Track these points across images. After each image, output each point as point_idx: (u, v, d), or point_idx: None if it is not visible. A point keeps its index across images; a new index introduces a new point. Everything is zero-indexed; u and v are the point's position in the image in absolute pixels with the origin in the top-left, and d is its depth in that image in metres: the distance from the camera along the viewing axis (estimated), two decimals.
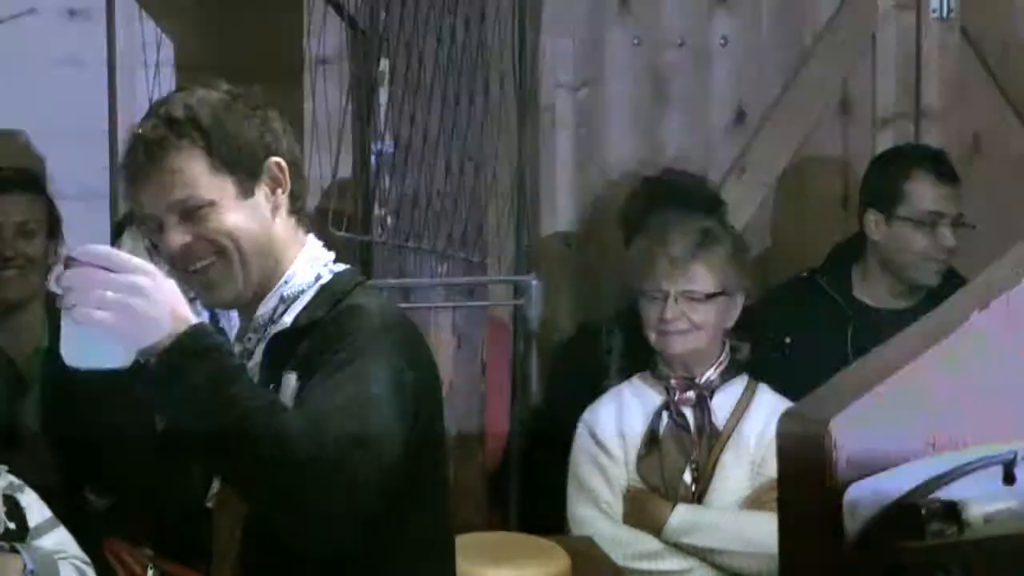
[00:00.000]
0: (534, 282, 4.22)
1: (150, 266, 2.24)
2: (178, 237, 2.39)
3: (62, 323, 2.25)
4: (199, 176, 2.38)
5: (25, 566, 3.19)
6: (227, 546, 2.44)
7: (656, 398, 3.84)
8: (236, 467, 2.20)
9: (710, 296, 3.80)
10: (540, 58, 4.66)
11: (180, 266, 2.40)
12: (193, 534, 2.56)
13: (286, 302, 2.43)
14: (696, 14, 4.85)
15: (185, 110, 2.40)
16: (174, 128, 2.39)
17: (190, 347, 2.21)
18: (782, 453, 1.57)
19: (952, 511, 1.50)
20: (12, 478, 3.35)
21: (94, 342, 2.23)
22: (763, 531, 3.62)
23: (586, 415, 3.92)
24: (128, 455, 2.45)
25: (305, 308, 2.42)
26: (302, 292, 2.44)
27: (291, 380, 2.35)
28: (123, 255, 2.23)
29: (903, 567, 1.48)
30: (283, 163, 2.45)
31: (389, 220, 4.01)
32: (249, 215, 2.41)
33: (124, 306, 2.19)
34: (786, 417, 1.57)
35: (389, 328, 2.36)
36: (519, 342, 4.23)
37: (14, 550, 3.21)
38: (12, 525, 3.27)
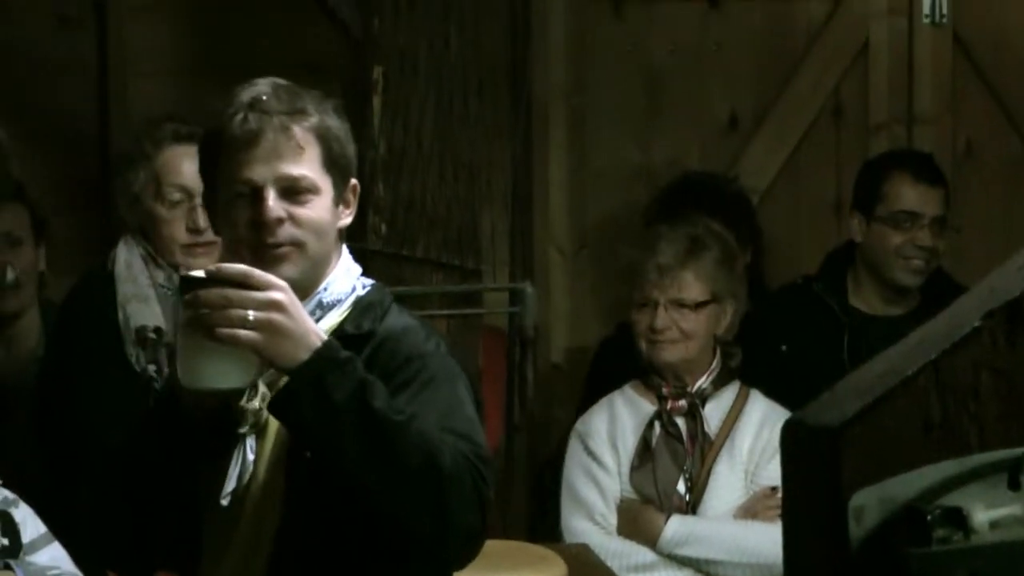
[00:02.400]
0: (529, 289, 4.21)
1: (281, 281, 2.26)
2: (279, 208, 2.38)
3: (181, 344, 2.24)
4: (315, 162, 2.41)
5: None
6: (249, 548, 2.42)
7: (648, 407, 3.82)
8: (382, 479, 2.22)
9: (700, 304, 3.77)
10: (533, 64, 4.64)
11: (263, 236, 2.38)
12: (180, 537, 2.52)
13: (324, 308, 2.44)
14: (689, 19, 4.85)
15: (309, 100, 2.42)
16: (302, 110, 2.41)
17: (330, 359, 2.23)
18: (786, 461, 1.56)
19: (958, 517, 1.49)
20: (6, 492, 3.31)
21: (220, 362, 2.22)
22: (758, 541, 3.62)
23: (578, 425, 3.90)
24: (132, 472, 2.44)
25: (347, 318, 2.44)
26: (339, 301, 2.45)
27: None
28: (260, 272, 2.25)
29: (909, 574, 1.47)
30: (358, 187, 2.49)
31: (383, 228, 4.00)
32: (332, 221, 2.44)
33: (267, 323, 2.21)
34: (790, 424, 1.56)
35: (452, 352, 2.45)
36: (515, 349, 4.22)
37: (7, 567, 3.18)
38: (5, 541, 3.23)
